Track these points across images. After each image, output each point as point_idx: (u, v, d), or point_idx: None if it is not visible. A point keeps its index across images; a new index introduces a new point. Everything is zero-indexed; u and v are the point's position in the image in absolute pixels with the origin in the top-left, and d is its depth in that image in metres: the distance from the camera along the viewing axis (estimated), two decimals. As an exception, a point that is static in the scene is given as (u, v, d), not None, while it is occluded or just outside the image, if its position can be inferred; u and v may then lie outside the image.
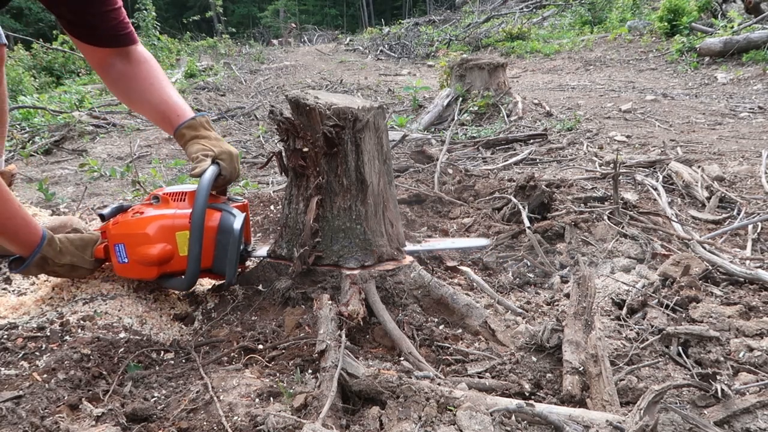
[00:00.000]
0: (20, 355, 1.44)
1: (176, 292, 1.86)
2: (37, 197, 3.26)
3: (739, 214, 2.60)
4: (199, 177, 1.66)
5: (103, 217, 1.76)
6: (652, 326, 1.59)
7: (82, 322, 1.60)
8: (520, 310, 1.74)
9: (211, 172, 1.67)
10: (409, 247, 1.94)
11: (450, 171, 3.46)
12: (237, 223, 1.68)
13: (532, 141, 4.53)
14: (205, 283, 1.94)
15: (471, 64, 5.70)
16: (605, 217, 2.42)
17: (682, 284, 1.81)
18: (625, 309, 1.73)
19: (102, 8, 1.67)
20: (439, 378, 1.35)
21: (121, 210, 1.76)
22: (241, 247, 1.74)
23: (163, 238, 1.65)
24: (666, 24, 9.69)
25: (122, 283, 1.82)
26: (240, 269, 1.84)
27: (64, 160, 4.36)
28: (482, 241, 2.23)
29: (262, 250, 1.88)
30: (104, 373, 1.38)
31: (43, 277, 1.92)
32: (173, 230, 1.66)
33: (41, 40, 11.73)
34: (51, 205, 3.09)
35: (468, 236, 2.47)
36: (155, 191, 1.77)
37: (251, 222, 2.64)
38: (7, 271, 2.00)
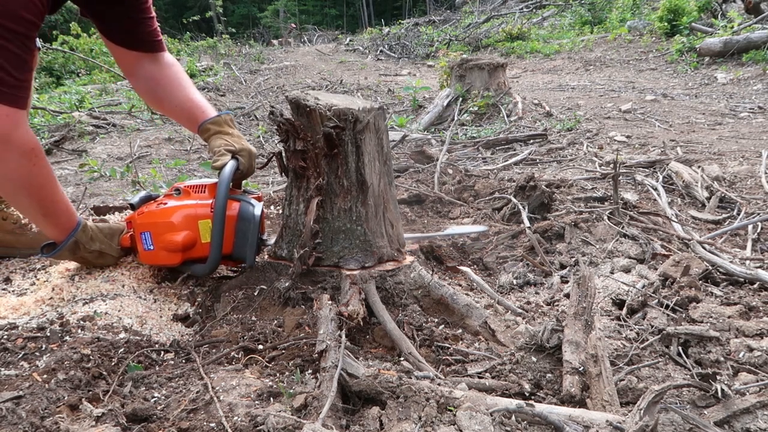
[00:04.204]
0: (20, 356, 1.44)
1: (175, 292, 1.87)
2: (37, 197, 3.26)
3: (739, 214, 2.61)
4: (220, 169, 1.77)
5: (133, 206, 1.86)
6: (652, 326, 1.59)
7: (82, 322, 1.60)
8: (520, 310, 1.74)
9: (231, 165, 1.78)
10: (410, 234, 2.00)
11: (450, 171, 3.46)
12: (256, 211, 1.80)
13: (532, 141, 4.53)
14: (206, 284, 1.94)
15: (471, 65, 5.70)
16: (605, 217, 2.42)
17: (682, 284, 1.81)
18: (625, 309, 1.73)
19: (140, 15, 1.84)
20: (439, 378, 1.35)
21: (150, 198, 1.86)
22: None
23: (187, 226, 1.76)
24: (666, 24, 9.69)
25: (122, 283, 1.83)
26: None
27: (64, 161, 4.36)
28: (480, 228, 2.27)
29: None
30: (104, 373, 1.37)
31: (43, 277, 1.92)
32: (196, 219, 1.77)
33: (41, 40, 11.72)
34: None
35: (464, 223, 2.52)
36: (176, 184, 1.87)
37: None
38: (9, 274, 2.00)
